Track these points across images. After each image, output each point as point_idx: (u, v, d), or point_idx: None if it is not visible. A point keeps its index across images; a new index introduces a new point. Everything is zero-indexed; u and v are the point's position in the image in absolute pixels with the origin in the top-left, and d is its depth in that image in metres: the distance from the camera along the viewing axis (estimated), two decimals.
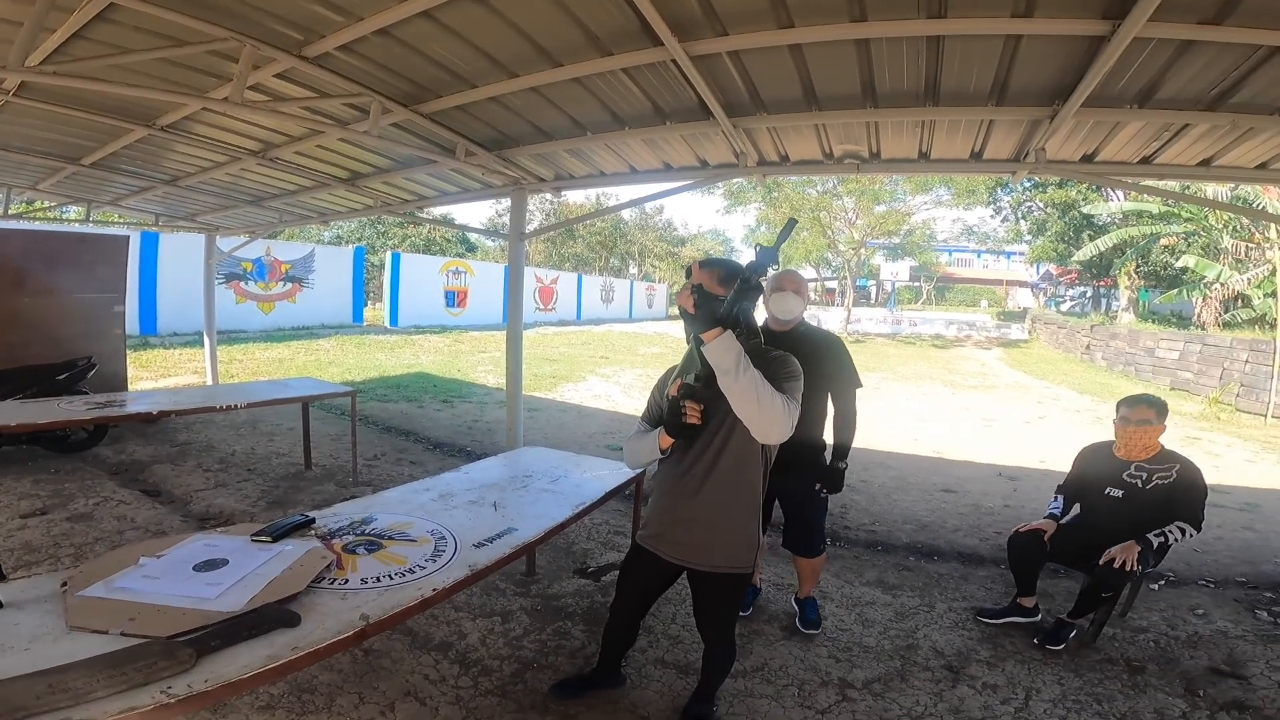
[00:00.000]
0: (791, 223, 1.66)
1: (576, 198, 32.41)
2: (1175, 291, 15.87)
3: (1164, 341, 13.73)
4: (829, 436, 2.68)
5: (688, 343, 1.77)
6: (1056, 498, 3.05)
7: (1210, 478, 2.91)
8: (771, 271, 1.67)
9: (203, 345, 8.06)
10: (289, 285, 15.60)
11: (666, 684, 2.34)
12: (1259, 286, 13.25)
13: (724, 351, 1.52)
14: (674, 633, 2.69)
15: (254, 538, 1.73)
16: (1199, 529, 2.72)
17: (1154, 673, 2.54)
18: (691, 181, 4.17)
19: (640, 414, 2.03)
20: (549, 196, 29.31)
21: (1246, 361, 10.61)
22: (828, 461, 2.67)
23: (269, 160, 4.68)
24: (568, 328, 22.40)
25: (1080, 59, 2.48)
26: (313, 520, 1.92)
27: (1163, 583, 3.42)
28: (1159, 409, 2.81)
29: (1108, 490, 2.85)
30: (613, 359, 14.04)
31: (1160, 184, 3.68)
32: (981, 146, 3.43)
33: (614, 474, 2.81)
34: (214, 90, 3.30)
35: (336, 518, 2.00)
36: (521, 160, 4.27)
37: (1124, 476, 2.81)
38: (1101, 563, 2.64)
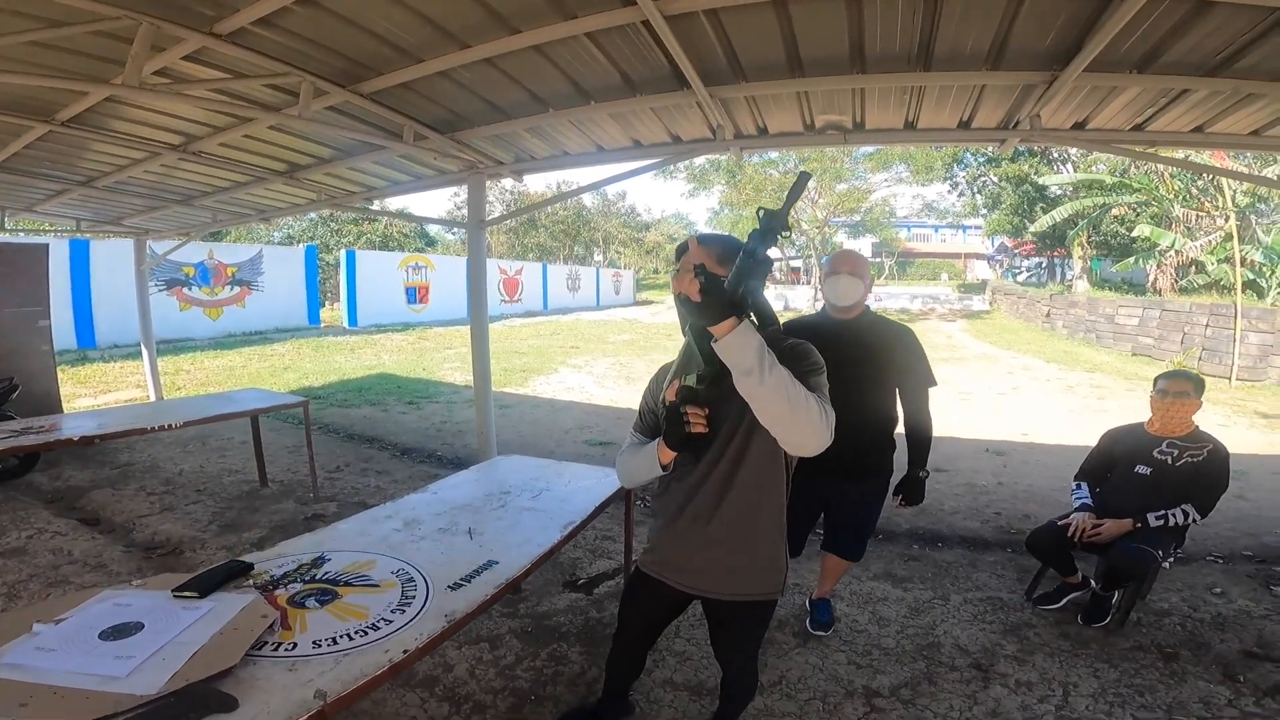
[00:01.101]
0: (804, 176, 1.31)
1: (538, 186, 31.79)
2: (1131, 260, 16.25)
3: (1123, 308, 14.06)
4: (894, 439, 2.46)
5: (683, 335, 1.48)
6: (1079, 485, 2.92)
7: None
8: (780, 238, 1.35)
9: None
10: (236, 289, 14.83)
11: (680, 709, 2.13)
12: (1212, 253, 13.62)
13: (743, 347, 1.21)
14: (680, 649, 2.47)
15: (176, 593, 1.43)
16: (1204, 515, 2.64)
17: (1188, 659, 2.43)
18: (664, 158, 3.91)
19: (631, 424, 1.74)
20: (508, 185, 28.67)
21: (1207, 326, 10.88)
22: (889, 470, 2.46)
23: (192, 154, 4.24)
24: (535, 319, 21.95)
25: (1087, 19, 2.29)
26: (250, 566, 1.63)
27: (1173, 560, 3.35)
28: (1196, 384, 2.74)
29: (1136, 468, 2.75)
30: (583, 349, 13.74)
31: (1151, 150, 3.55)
32: (970, 115, 3.24)
33: (601, 482, 2.56)
34: (116, 78, 2.90)
35: (281, 560, 1.70)
36: (477, 143, 3.94)
37: (1154, 453, 2.72)
38: (1081, 532, 2.67)
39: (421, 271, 20.11)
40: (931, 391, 2.42)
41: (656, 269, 46.60)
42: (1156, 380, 2.82)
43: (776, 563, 1.58)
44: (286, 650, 1.25)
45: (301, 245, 19.73)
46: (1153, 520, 2.59)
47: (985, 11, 2.29)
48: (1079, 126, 3.29)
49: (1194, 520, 2.62)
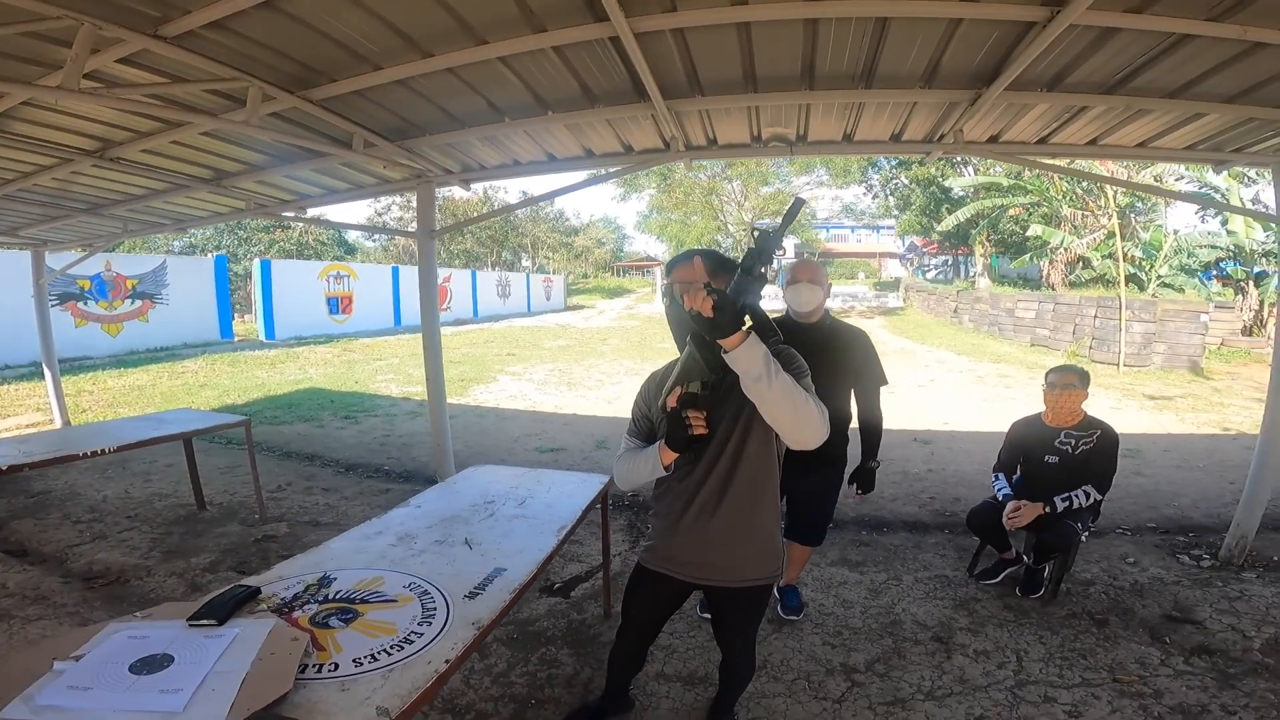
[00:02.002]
0: (799, 202, 1.45)
1: (464, 193, 31.12)
2: (1025, 257, 17.69)
3: (1021, 303, 15.29)
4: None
5: (677, 343, 1.59)
6: (998, 477, 3.21)
7: None
8: (778, 257, 1.48)
9: (43, 378, 6.87)
10: (138, 303, 13.73)
11: (676, 698, 2.22)
12: (1097, 249, 15.04)
13: (752, 357, 1.32)
14: (665, 643, 2.56)
15: (192, 622, 1.39)
16: (1103, 493, 2.96)
17: (1118, 624, 2.73)
18: (617, 168, 3.99)
19: (622, 432, 1.81)
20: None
21: (1095, 317, 12.02)
22: (843, 460, 2.63)
23: (109, 161, 3.96)
24: (465, 327, 21.46)
25: (1008, 44, 2.55)
26: (258, 590, 1.59)
27: (1088, 534, 3.73)
28: (1082, 375, 3.04)
29: (1046, 458, 3.05)
30: (520, 356, 13.60)
31: (1054, 161, 3.94)
32: (902, 128, 3.51)
33: (581, 486, 2.61)
34: (38, 80, 2.70)
35: (285, 583, 1.67)
36: (427, 151, 3.89)
37: (1055, 444, 3.02)
38: (1005, 516, 2.93)
39: (344, 281, 19.27)
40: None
41: (586, 273, 46.58)
42: (1047, 374, 3.12)
43: (774, 547, 1.71)
44: (330, 671, 1.24)
45: (210, 256, 18.49)
46: (1059, 504, 2.89)
47: (926, 36, 2.50)
48: (994, 140, 3.63)
49: (1095, 499, 2.93)
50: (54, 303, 11.63)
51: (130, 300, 13.53)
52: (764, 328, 1.45)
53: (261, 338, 16.48)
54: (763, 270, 1.38)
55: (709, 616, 2.74)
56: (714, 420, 1.51)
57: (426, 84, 3.01)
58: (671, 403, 1.51)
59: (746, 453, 1.61)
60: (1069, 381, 3.01)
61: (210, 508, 4.37)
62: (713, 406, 1.49)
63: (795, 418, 1.38)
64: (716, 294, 1.30)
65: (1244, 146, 3.46)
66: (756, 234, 1.35)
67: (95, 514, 4.19)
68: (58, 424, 6.70)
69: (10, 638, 2.61)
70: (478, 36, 2.56)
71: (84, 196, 4.98)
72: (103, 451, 3.30)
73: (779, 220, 1.37)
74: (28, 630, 2.66)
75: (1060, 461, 3.00)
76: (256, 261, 17.40)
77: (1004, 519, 2.96)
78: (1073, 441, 2.99)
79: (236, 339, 16.13)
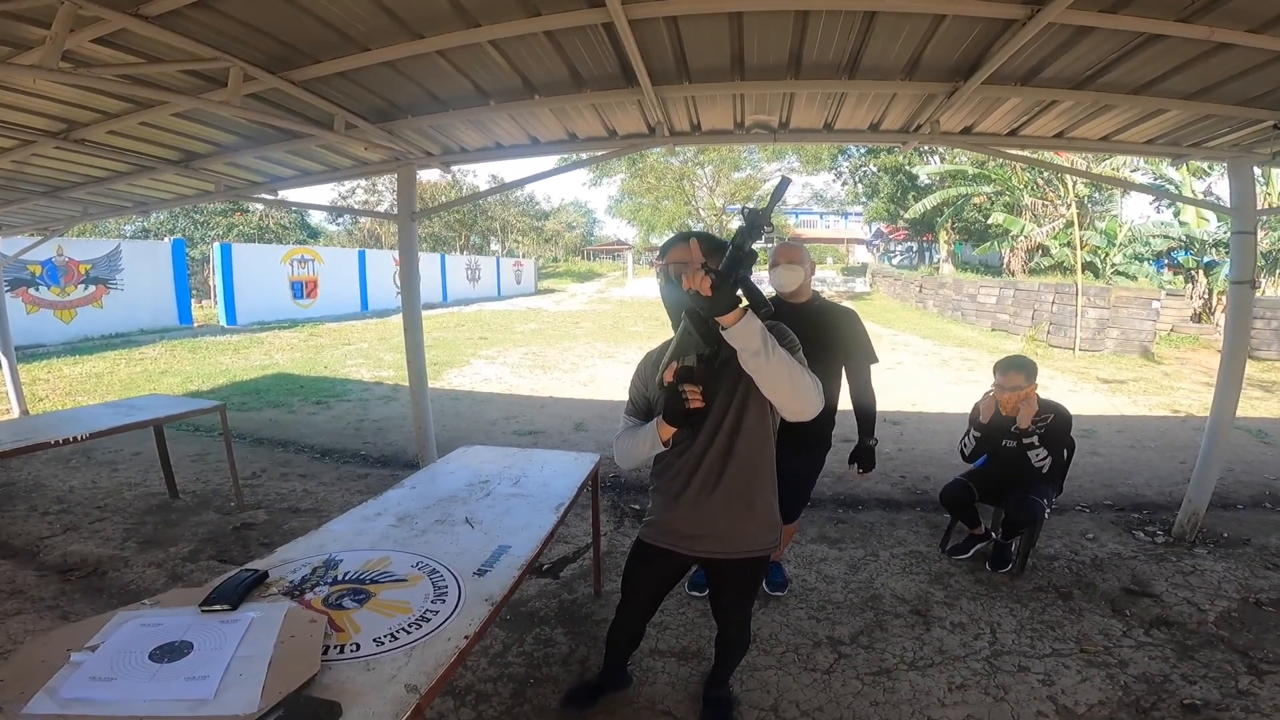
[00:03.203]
0: (785, 181, 1.47)
1: (431, 176, 30.45)
2: (987, 244, 18.17)
3: (983, 289, 15.73)
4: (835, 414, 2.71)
5: (673, 324, 1.63)
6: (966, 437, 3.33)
7: None
8: (766, 234, 1.52)
9: None
10: (91, 288, 13.17)
11: (672, 673, 2.30)
12: (1056, 238, 15.53)
13: (749, 333, 1.37)
14: (657, 620, 2.63)
15: (204, 608, 1.40)
16: (1056, 471, 3.12)
17: (1080, 597, 2.90)
18: (600, 152, 4.00)
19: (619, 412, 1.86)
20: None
21: (1053, 303, 12.44)
22: (829, 442, 2.70)
23: (72, 143, 3.81)
24: (435, 310, 21.13)
25: (987, 40, 2.63)
26: (265, 574, 1.60)
27: (1050, 510, 3.92)
28: (1028, 371, 3.11)
29: (1004, 442, 3.19)
30: (492, 339, 13.50)
31: (1023, 152, 4.08)
32: (881, 118, 3.60)
33: (574, 465, 2.65)
34: (10, 59, 2.58)
35: (291, 566, 1.68)
36: (408, 133, 3.84)
37: (1012, 429, 3.15)
38: (980, 403, 3.10)
39: (308, 265, 18.76)
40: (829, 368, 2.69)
41: (557, 257, 46.18)
42: (995, 370, 3.20)
43: (773, 519, 1.78)
44: (352, 651, 1.26)
45: (166, 240, 17.81)
46: (1029, 453, 3.04)
47: (911, 30, 2.57)
48: (967, 131, 3.73)
49: (1048, 460, 3.05)
50: (5, 289, 11.11)
51: (83, 286, 12.98)
52: (756, 302, 1.47)
53: (222, 323, 15.99)
54: (753, 247, 1.41)
55: (697, 595, 2.84)
56: (710, 394, 1.56)
57: (413, 66, 2.97)
58: (668, 378, 1.55)
59: (745, 426, 1.66)
60: (1015, 383, 3.09)
61: (183, 496, 4.29)
62: (708, 380, 1.53)
63: (793, 390, 1.44)
64: (714, 273, 1.35)
65: (1201, 141, 3.64)
66: (746, 211, 1.38)
67: (63, 505, 4.07)
68: (15, 413, 6.45)
69: None
70: (470, 19, 2.53)
71: (42, 179, 4.78)
72: (75, 439, 3.21)
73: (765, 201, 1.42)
74: (8, 624, 2.60)
75: (1018, 445, 3.14)
76: (216, 245, 16.82)
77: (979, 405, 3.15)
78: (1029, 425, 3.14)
79: (196, 325, 15.63)
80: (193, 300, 16.52)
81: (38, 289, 12.06)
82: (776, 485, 1.78)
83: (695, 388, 1.51)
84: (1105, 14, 2.33)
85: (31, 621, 2.63)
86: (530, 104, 3.36)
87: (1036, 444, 3.04)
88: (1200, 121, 3.34)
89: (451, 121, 3.62)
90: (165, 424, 4.02)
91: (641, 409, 1.79)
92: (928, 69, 2.95)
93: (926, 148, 23.56)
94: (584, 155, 4.09)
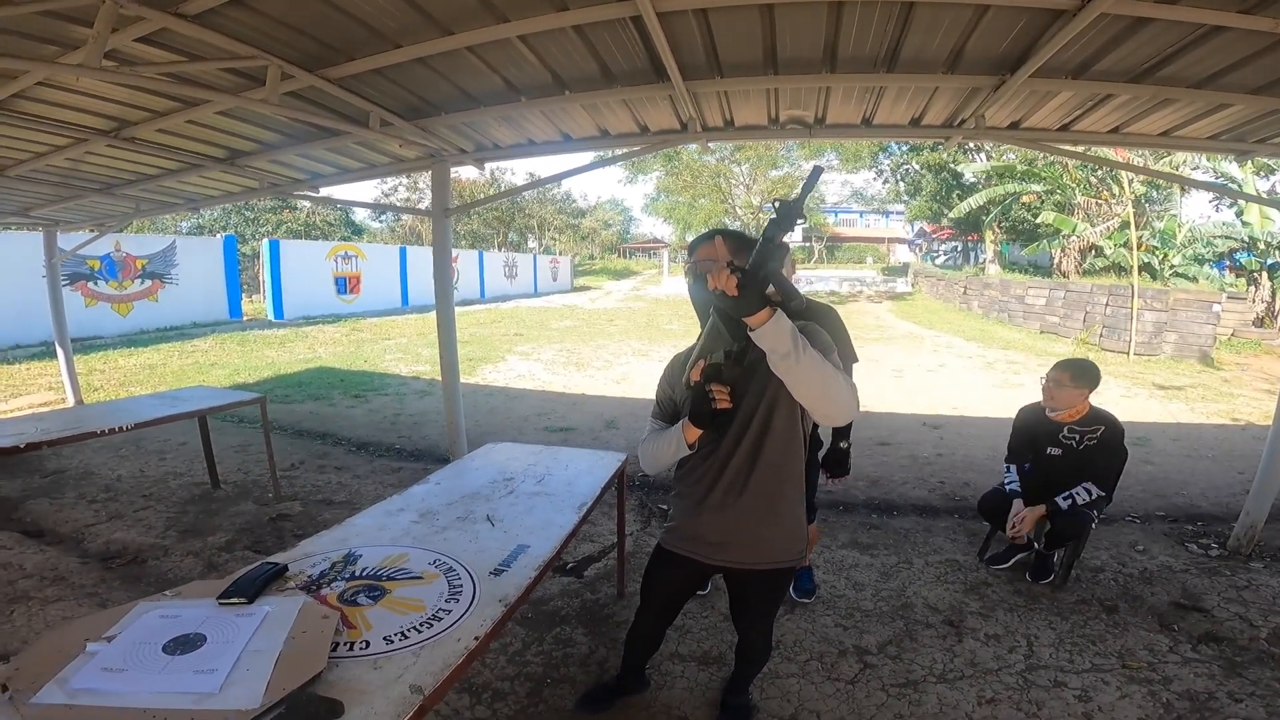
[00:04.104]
0: (817, 170, 1.40)
1: (470, 173, 30.96)
2: (1036, 244, 17.52)
3: (1032, 290, 15.17)
4: None
5: (701, 325, 1.58)
6: (1009, 469, 3.20)
7: None
8: (800, 225, 1.45)
9: (55, 357, 6.93)
10: (148, 282, 13.77)
11: (691, 678, 2.26)
12: (1110, 238, 14.88)
13: (778, 333, 1.31)
14: (679, 623, 2.60)
15: (222, 601, 1.41)
16: (1106, 490, 2.94)
17: (1127, 610, 2.75)
18: (633, 148, 3.96)
19: (650, 413, 1.79)
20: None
21: (1106, 305, 11.91)
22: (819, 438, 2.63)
23: (124, 141, 3.96)
24: (472, 307, 21.47)
25: (1034, 31, 2.51)
26: (285, 568, 1.61)
27: (1097, 522, 3.74)
28: (1073, 372, 2.97)
29: (1049, 450, 3.04)
30: (527, 336, 13.62)
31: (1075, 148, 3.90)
32: (922, 113, 3.47)
33: (599, 464, 2.63)
34: (57, 59, 2.68)
35: (311, 560, 1.70)
36: (442, 130, 3.87)
37: (1060, 437, 3.02)
38: (1009, 532, 2.92)
39: (352, 261, 19.26)
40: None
41: (593, 255, 46.42)
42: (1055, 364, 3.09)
43: (800, 530, 1.70)
44: (361, 649, 1.26)
45: (219, 236, 18.51)
46: (1061, 504, 2.89)
47: (952, 20, 2.47)
48: (1014, 126, 3.58)
49: (1095, 495, 2.90)
50: (64, 283, 11.69)
51: (140, 280, 13.58)
52: (787, 294, 1.42)
53: (270, 317, 16.53)
54: (783, 239, 1.36)
55: (701, 591, 2.77)
56: (738, 394, 1.50)
57: (444, 62, 2.99)
58: (695, 376, 1.50)
59: (773, 429, 1.59)
60: (1056, 378, 2.99)
61: (224, 486, 4.42)
62: (736, 379, 1.47)
63: (825, 392, 1.36)
64: (740, 272, 1.30)
65: (1268, 137, 3.42)
66: (778, 203, 1.32)
67: (111, 493, 4.24)
68: (70, 403, 6.76)
69: (30, 619, 2.65)
70: (499, 14, 2.53)
71: (97, 176, 4.98)
72: (120, 429, 3.33)
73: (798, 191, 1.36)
74: (47, 611, 2.71)
75: (1064, 455, 3.00)
76: (265, 242, 17.40)
77: (1007, 528, 2.96)
78: (1077, 436, 2.99)
79: (245, 319, 16.19)
80: (243, 295, 17.12)
81: (96, 283, 12.65)
82: (804, 494, 1.71)
83: (723, 387, 1.45)
84: (1162, 4, 2.19)
85: (70, 609, 2.72)
86: (561, 100, 3.34)
87: (1085, 496, 2.90)
88: (1267, 116, 3.14)
89: (483, 118, 3.63)
90: (209, 415, 4.15)
91: (668, 412, 1.74)
92: (972, 61, 2.83)
93: (972, 145, 22.90)
94: (618, 151, 4.04)
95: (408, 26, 2.64)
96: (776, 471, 1.62)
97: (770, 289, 1.35)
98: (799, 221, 1.39)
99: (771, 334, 1.32)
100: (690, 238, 2.87)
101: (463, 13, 2.53)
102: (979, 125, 3.41)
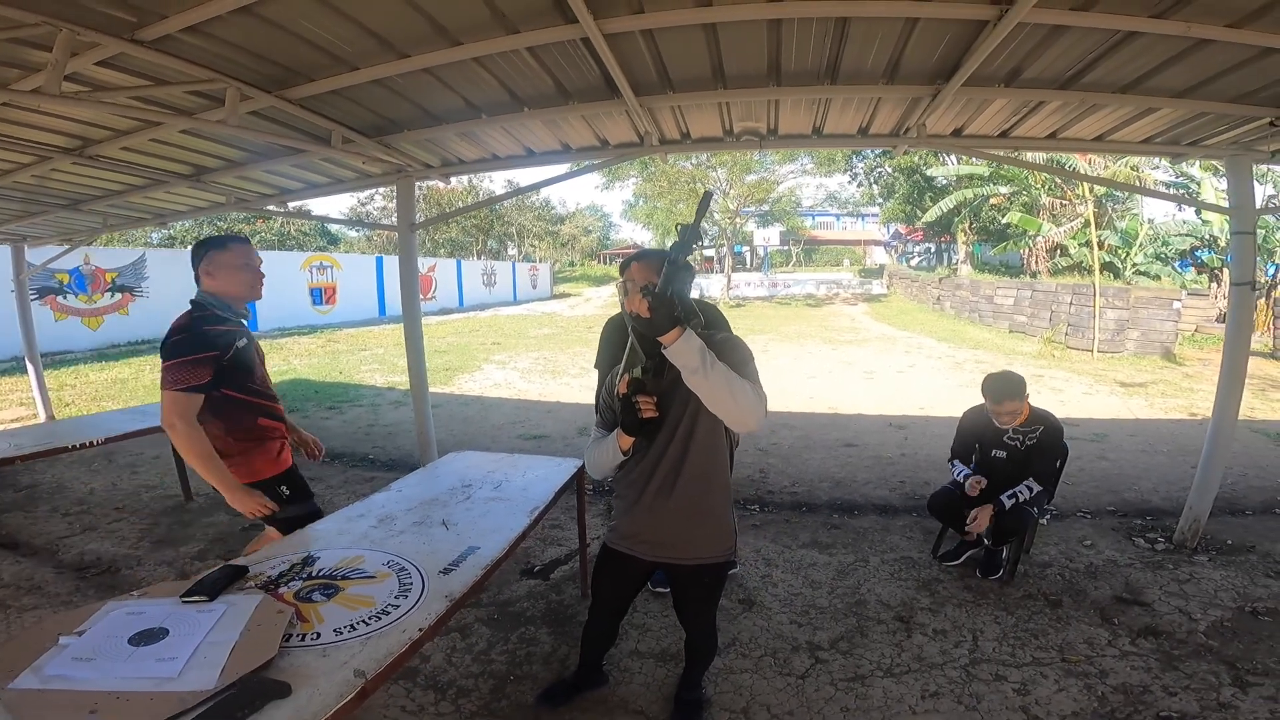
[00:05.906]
0: (708, 195, 1.60)
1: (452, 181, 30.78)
2: (1004, 245, 17.93)
3: (1000, 290, 15.53)
4: None
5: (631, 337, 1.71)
6: (955, 463, 3.36)
7: (1059, 412, 3.33)
8: (698, 247, 1.64)
9: (25, 372, 6.86)
10: (118, 296, 13.61)
11: (648, 674, 2.35)
12: (1074, 238, 15.29)
13: (688, 351, 1.47)
14: (639, 621, 2.69)
15: (185, 599, 1.49)
16: (1047, 485, 3.09)
17: (1070, 605, 2.87)
18: (596, 161, 4.07)
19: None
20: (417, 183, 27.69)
21: (1070, 304, 12.25)
22: None
23: (87, 159, 3.99)
24: (451, 316, 21.44)
25: (963, 42, 2.65)
26: (246, 569, 1.69)
27: (1049, 516, 3.88)
28: (1019, 394, 3.09)
29: (994, 452, 3.20)
30: (505, 345, 13.65)
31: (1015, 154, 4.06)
32: (869, 122, 3.62)
33: (556, 470, 2.72)
34: (17, 82, 2.73)
35: (272, 562, 1.77)
36: (405, 146, 3.94)
37: (1004, 440, 3.17)
38: (967, 527, 3.02)
39: (327, 271, 19.16)
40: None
41: (573, 261, 46.48)
42: (984, 390, 3.19)
43: (727, 527, 1.85)
44: (312, 639, 1.35)
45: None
46: (1006, 502, 3.02)
47: (885, 35, 2.61)
48: (957, 133, 3.73)
49: (1035, 491, 3.03)
50: (33, 297, 11.50)
51: (110, 293, 13.42)
52: (687, 311, 1.56)
53: None
54: (686, 261, 1.51)
55: (662, 590, 2.88)
56: (664, 404, 1.64)
57: (404, 83, 3.07)
58: (622, 389, 1.65)
59: (696, 436, 1.73)
60: (1012, 409, 3.09)
61: (197, 498, 4.43)
62: (659, 390, 1.62)
63: (733, 403, 1.51)
64: (651, 295, 1.44)
65: (1200, 139, 3.59)
66: (679, 228, 1.48)
67: (84, 506, 4.25)
68: (42, 418, 6.71)
69: (8, 625, 2.70)
70: (451, 38, 2.62)
71: (63, 193, 4.98)
72: (92, 444, 3.36)
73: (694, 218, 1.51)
74: (24, 619, 2.75)
75: (1008, 456, 3.15)
76: None
77: (965, 526, 3.08)
78: (1020, 438, 3.15)
79: None
80: None
81: (65, 297, 12.48)
82: (730, 495, 1.85)
83: (648, 398, 1.60)
84: (1076, 12, 2.33)
85: (45, 616, 2.76)
86: (521, 116, 3.44)
87: (1027, 493, 3.03)
88: (1196, 119, 3.30)
89: (445, 135, 3.71)
90: None
91: (608, 420, 1.87)
92: (909, 72, 2.97)
93: (941, 153, 23.39)
94: (582, 164, 4.15)
95: (363, 51, 2.72)
96: (702, 475, 1.76)
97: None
98: (697, 245, 1.55)
99: (682, 351, 1.47)
100: (670, 243, 2.98)
101: (416, 37, 2.61)
102: (921, 134, 3.56)
